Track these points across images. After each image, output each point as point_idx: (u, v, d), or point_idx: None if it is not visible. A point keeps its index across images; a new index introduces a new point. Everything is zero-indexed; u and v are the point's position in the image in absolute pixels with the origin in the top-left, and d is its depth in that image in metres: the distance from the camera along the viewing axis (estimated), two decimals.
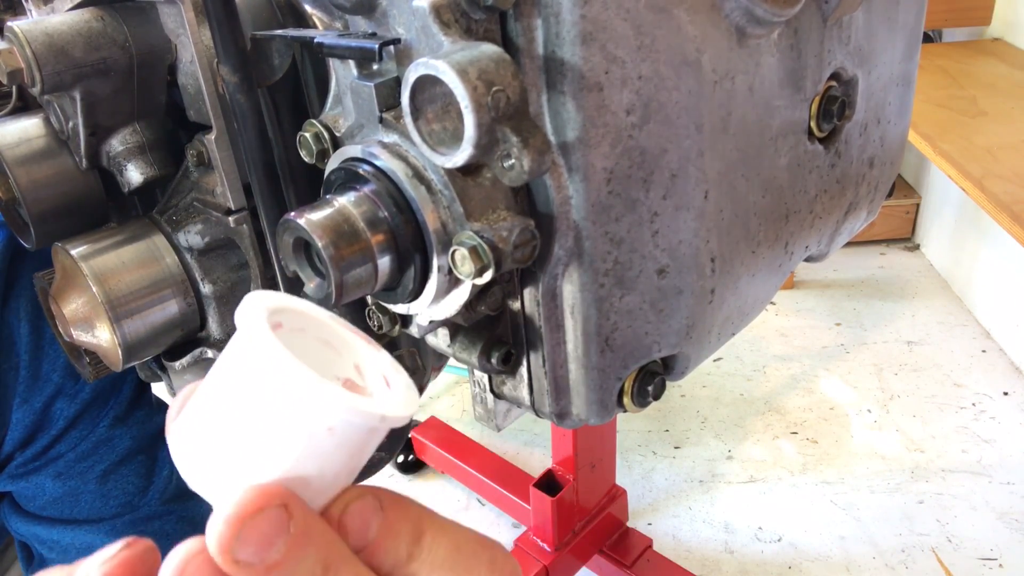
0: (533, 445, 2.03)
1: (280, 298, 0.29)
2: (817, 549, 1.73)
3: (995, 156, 1.69)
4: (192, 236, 0.57)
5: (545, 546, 1.51)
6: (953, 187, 2.16)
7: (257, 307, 0.28)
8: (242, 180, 0.53)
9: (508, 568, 0.32)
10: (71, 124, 0.56)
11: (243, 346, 0.27)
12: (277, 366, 0.26)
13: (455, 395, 2.20)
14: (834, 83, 0.49)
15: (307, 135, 0.42)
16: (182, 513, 0.77)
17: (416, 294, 0.39)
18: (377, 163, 0.37)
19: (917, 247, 2.78)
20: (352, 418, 0.26)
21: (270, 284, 0.57)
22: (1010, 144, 1.74)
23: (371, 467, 0.58)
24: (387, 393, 0.30)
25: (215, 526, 0.25)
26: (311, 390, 0.26)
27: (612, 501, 1.60)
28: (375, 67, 0.39)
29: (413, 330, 0.45)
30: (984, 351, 2.26)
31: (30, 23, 0.51)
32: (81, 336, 0.56)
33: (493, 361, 0.44)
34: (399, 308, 0.41)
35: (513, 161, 0.34)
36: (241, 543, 0.25)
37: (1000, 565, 1.67)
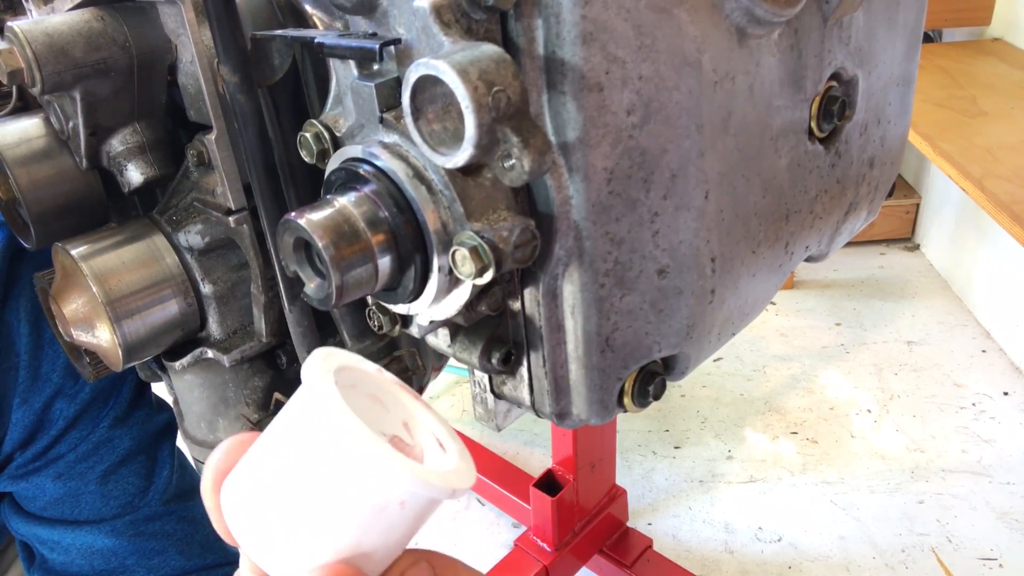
0: (533, 445, 2.03)
1: (341, 355, 0.28)
2: (817, 549, 1.73)
3: (995, 156, 1.69)
4: (192, 236, 0.57)
5: (545, 546, 1.51)
6: (953, 187, 2.16)
7: (325, 366, 0.26)
8: (242, 180, 0.53)
9: None
10: (71, 124, 0.56)
11: (311, 411, 0.26)
12: (351, 438, 0.25)
13: (455, 395, 2.20)
14: (834, 83, 0.49)
15: (307, 135, 0.42)
16: (183, 513, 0.77)
17: (416, 294, 0.39)
18: (377, 163, 0.37)
19: (917, 247, 2.78)
20: (427, 493, 0.25)
21: (270, 284, 0.57)
22: (1010, 144, 1.74)
23: None
24: (443, 457, 0.28)
25: None
26: (388, 465, 0.24)
27: (612, 501, 1.60)
28: (376, 67, 0.39)
29: (413, 330, 0.45)
30: (984, 351, 2.26)
31: (30, 23, 0.51)
32: (81, 336, 0.56)
33: (493, 361, 0.44)
34: (399, 308, 0.41)
35: (513, 161, 0.34)
36: None
37: (1000, 565, 1.67)
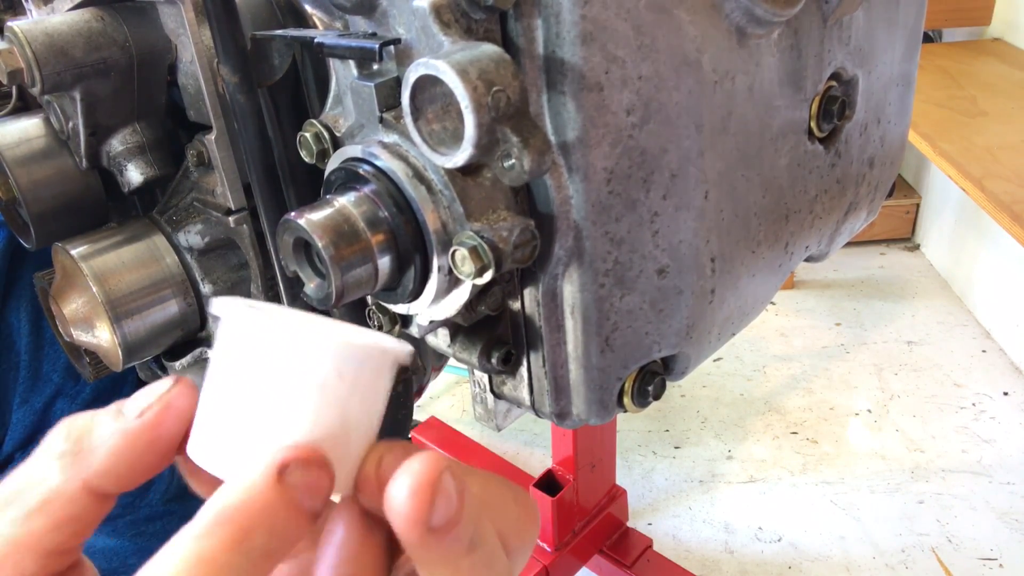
0: (533, 445, 2.03)
1: (248, 301, 0.29)
2: (817, 549, 1.73)
3: (995, 156, 1.69)
4: (192, 236, 0.57)
5: (545, 546, 1.51)
6: (953, 187, 2.16)
7: (230, 300, 0.28)
8: (242, 180, 0.53)
9: (530, 504, 0.33)
10: (71, 124, 0.56)
11: (231, 332, 0.27)
12: (271, 331, 0.26)
13: (455, 395, 2.20)
14: (834, 83, 0.49)
15: (307, 135, 0.42)
16: (184, 513, 0.77)
17: (416, 294, 0.39)
18: (377, 163, 0.37)
19: (917, 247, 2.78)
20: (356, 353, 0.27)
21: (270, 284, 0.57)
22: (1010, 144, 1.74)
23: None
24: (379, 339, 0.30)
25: (396, 499, 0.25)
26: (310, 340, 0.26)
27: (612, 501, 1.60)
28: (375, 67, 0.39)
29: (413, 330, 0.45)
30: (984, 351, 2.26)
31: (30, 23, 0.51)
32: (81, 336, 0.56)
33: (493, 361, 0.44)
34: (399, 308, 0.41)
35: (513, 161, 0.34)
36: (434, 510, 0.25)
37: (1000, 565, 1.67)
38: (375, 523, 0.28)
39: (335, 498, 0.28)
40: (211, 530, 0.24)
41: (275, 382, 0.27)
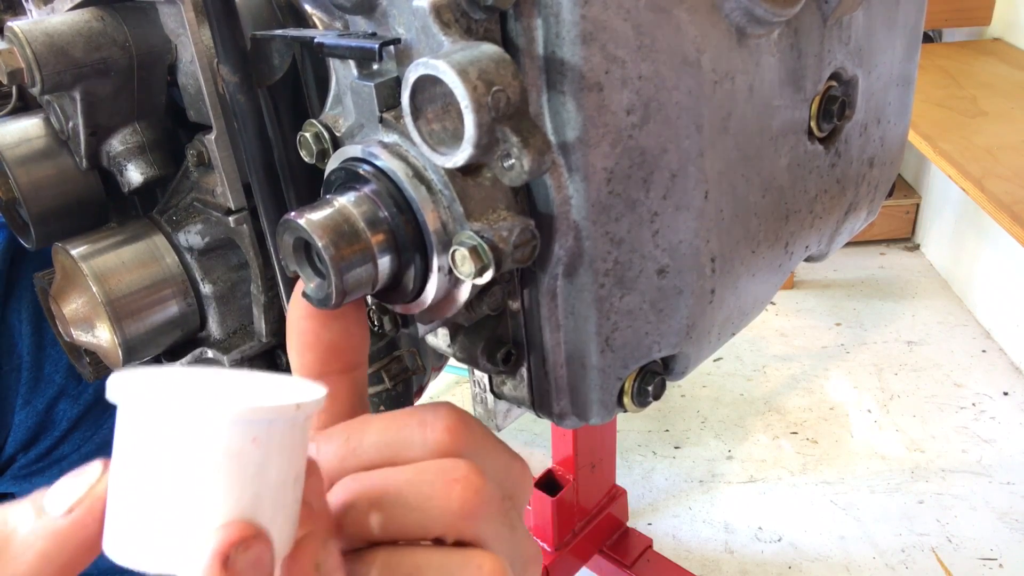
0: (533, 445, 2.03)
1: (141, 370, 0.26)
2: (817, 549, 1.73)
3: (995, 156, 1.69)
4: (192, 236, 0.57)
5: (545, 546, 1.51)
6: (953, 187, 2.16)
7: (124, 377, 0.25)
8: (242, 180, 0.53)
9: (440, 420, 0.32)
10: (71, 124, 0.56)
11: (129, 416, 0.25)
12: (172, 410, 0.24)
13: (455, 395, 2.20)
14: (834, 83, 0.49)
15: (307, 135, 0.42)
16: None
17: (416, 294, 0.39)
18: (377, 163, 0.37)
19: (917, 247, 2.78)
20: (265, 415, 0.25)
21: (270, 284, 0.57)
22: (1010, 144, 1.74)
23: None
24: (290, 389, 0.28)
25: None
26: (214, 413, 0.24)
27: (612, 501, 1.61)
28: (375, 67, 0.39)
29: (413, 330, 0.45)
30: (984, 351, 2.26)
31: (30, 23, 0.51)
32: (81, 336, 0.56)
33: (493, 361, 0.44)
34: (399, 308, 0.41)
35: (513, 161, 0.34)
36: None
37: (1000, 565, 1.67)
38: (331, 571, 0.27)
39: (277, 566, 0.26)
40: None
41: (187, 462, 0.24)
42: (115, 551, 0.25)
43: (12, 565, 0.24)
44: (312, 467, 0.28)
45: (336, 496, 0.31)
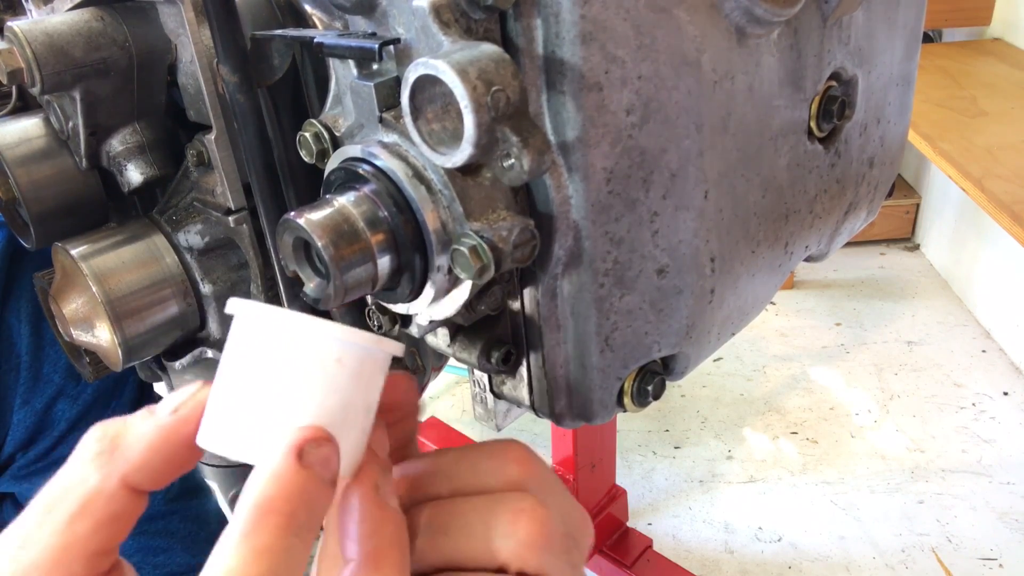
0: (533, 445, 2.03)
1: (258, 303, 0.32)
2: (817, 549, 1.73)
3: (995, 156, 1.69)
4: (192, 236, 0.57)
5: None
6: (953, 187, 2.16)
7: (242, 300, 0.31)
8: (242, 180, 0.53)
9: (510, 454, 0.35)
10: (71, 124, 0.56)
11: (242, 327, 0.30)
12: (279, 325, 0.29)
13: (455, 395, 2.20)
14: (834, 83, 0.49)
15: (307, 135, 0.42)
16: (187, 512, 0.77)
17: (416, 294, 0.39)
18: (377, 163, 0.37)
19: (917, 247, 2.78)
20: (354, 343, 0.30)
21: (270, 284, 0.57)
22: (1010, 144, 1.74)
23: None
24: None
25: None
26: (314, 330, 0.29)
27: (612, 501, 1.61)
28: (375, 67, 0.39)
29: (413, 330, 0.45)
30: (984, 351, 2.26)
31: (30, 23, 0.51)
32: (81, 336, 0.56)
33: (493, 361, 0.44)
34: (399, 308, 0.42)
35: (513, 161, 0.34)
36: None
37: (1000, 565, 1.67)
38: (389, 496, 0.30)
39: (345, 475, 0.30)
40: (260, 523, 0.26)
41: (282, 370, 0.29)
42: (206, 439, 0.29)
43: (127, 453, 0.28)
44: (379, 421, 0.32)
45: (408, 522, 0.33)
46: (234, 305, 0.30)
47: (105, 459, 0.28)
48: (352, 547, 0.28)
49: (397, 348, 0.31)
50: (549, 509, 0.32)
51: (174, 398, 0.30)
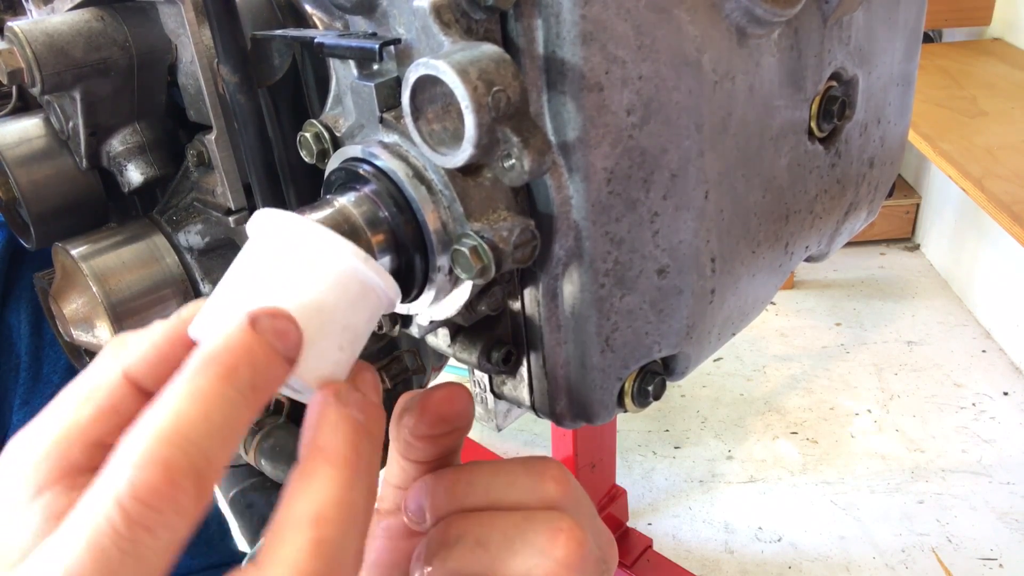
0: (533, 445, 2.03)
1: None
2: (817, 549, 1.73)
3: (995, 156, 1.69)
4: (192, 236, 0.57)
5: None
6: (953, 187, 2.16)
7: (271, 211, 0.32)
8: (242, 180, 0.53)
9: (548, 471, 0.36)
10: (71, 124, 0.56)
11: (249, 234, 0.32)
12: (277, 228, 0.31)
13: None
14: (834, 83, 0.49)
15: (307, 135, 0.42)
16: None
17: (416, 294, 0.39)
18: (377, 163, 0.37)
19: (917, 247, 2.78)
20: (336, 252, 0.31)
21: None
22: (1010, 144, 1.74)
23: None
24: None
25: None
26: (303, 226, 0.31)
27: (612, 501, 1.61)
28: (375, 67, 0.39)
29: (413, 330, 0.45)
30: (984, 351, 2.26)
31: (30, 23, 0.51)
32: (81, 336, 0.56)
33: (493, 361, 0.44)
34: (399, 308, 0.41)
35: (513, 161, 0.34)
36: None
37: (1000, 565, 1.67)
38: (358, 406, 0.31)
39: (312, 385, 0.30)
40: (201, 369, 0.27)
41: (264, 267, 0.31)
42: (195, 329, 0.31)
43: (131, 348, 0.30)
44: (371, 367, 0.33)
45: (445, 531, 0.34)
46: (255, 217, 0.32)
47: (113, 353, 0.30)
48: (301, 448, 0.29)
49: (393, 288, 0.32)
50: (585, 529, 0.33)
51: (184, 307, 0.32)
